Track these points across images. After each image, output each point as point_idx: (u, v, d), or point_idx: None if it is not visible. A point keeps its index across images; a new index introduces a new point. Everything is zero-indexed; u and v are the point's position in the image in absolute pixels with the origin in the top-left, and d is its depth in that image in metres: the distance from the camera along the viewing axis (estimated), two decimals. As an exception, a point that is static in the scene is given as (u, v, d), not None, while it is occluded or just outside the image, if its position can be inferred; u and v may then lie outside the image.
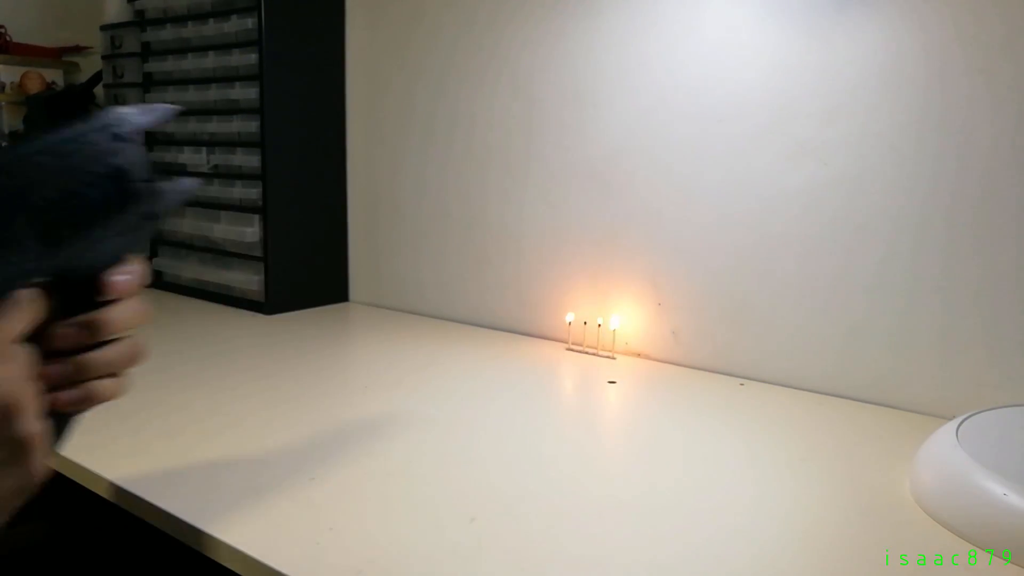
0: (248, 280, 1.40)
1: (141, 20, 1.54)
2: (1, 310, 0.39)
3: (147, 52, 1.54)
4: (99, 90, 1.76)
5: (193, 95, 1.45)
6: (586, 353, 1.18)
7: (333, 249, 1.51)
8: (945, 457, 0.69)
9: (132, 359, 0.46)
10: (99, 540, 1.14)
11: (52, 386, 0.43)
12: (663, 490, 0.71)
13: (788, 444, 0.83)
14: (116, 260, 0.44)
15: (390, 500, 0.68)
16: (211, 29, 1.40)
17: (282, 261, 1.40)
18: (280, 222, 1.39)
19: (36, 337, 0.41)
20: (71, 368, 0.43)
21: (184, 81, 1.48)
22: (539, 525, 0.64)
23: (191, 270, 1.51)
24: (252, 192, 1.38)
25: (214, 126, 1.42)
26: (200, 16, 1.42)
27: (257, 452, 0.77)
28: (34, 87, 1.92)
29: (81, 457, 0.74)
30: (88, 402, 0.44)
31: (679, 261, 1.12)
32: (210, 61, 1.41)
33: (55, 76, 2.01)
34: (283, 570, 0.56)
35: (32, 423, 0.40)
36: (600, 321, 1.20)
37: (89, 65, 2.00)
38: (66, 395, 0.43)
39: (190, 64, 1.45)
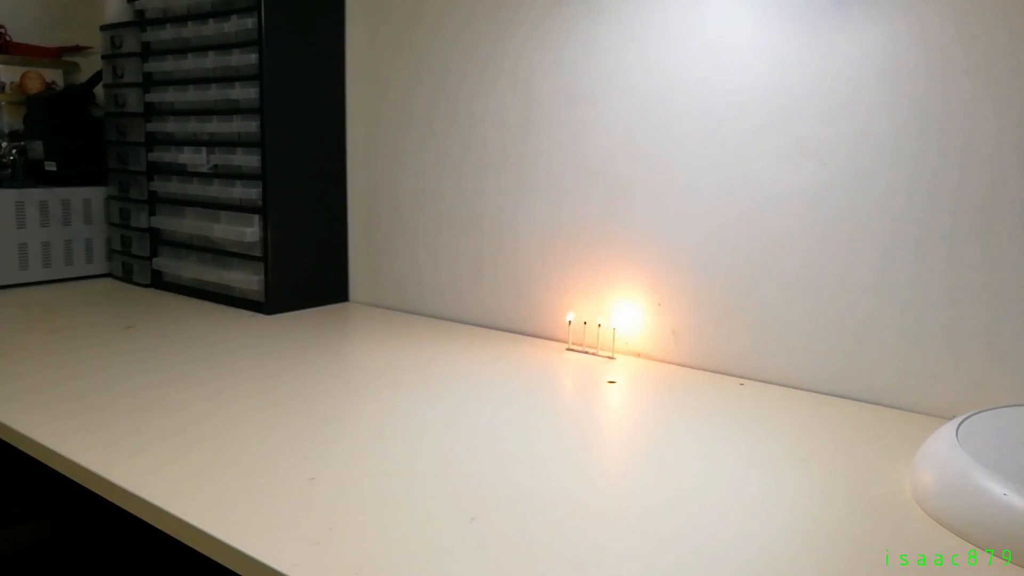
0: (248, 280, 1.40)
1: (141, 20, 1.54)
2: None
3: (147, 52, 1.54)
4: (99, 90, 1.76)
5: (193, 95, 1.45)
6: (586, 353, 1.18)
7: (333, 249, 1.51)
8: (945, 457, 0.69)
9: None
10: (99, 540, 1.14)
11: None
12: (663, 490, 0.71)
13: (788, 444, 0.83)
14: None
15: (390, 500, 0.68)
16: (211, 29, 1.40)
17: (282, 261, 1.40)
18: (280, 222, 1.39)
19: None
20: None
21: (184, 81, 1.48)
22: (539, 525, 0.64)
23: (191, 270, 1.51)
24: (252, 192, 1.38)
25: (214, 126, 1.42)
26: (200, 16, 1.42)
27: (257, 452, 0.77)
28: (34, 87, 1.92)
29: (81, 457, 0.74)
30: None
31: (679, 261, 1.12)
32: (210, 61, 1.41)
33: (55, 76, 2.01)
34: (283, 570, 0.56)
35: None
36: (600, 321, 1.20)
37: (89, 65, 2.00)
38: None
39: (190, 64, 1.45)
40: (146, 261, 1.62)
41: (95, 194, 1.71)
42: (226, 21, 1.37)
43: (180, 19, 1.46)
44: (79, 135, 1.73)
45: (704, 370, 1.11)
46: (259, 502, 0.66)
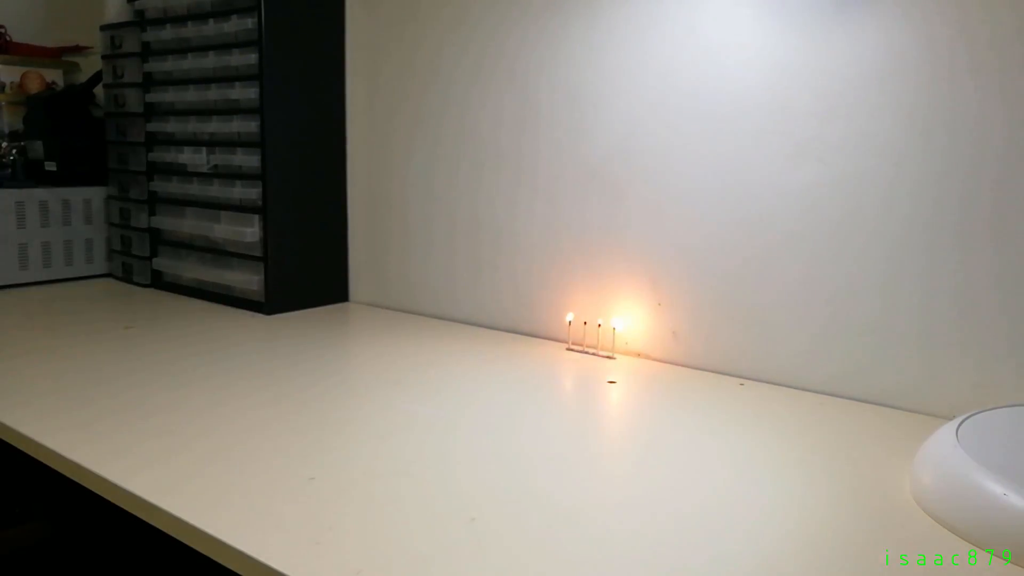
0: (248, 280, 1.40)
1: (141, 20, 1.54)
2: None
3: (147, 52, 1.54)
4: (99, 90, 1.76)
5: (193, 95, 1.45)
6: (586, 353, 1.18)
7: (333, 249, 1.51)
8: (945, 457, 0.69)
9: None
10: (99, 540, 1.14)
11: None
12: (663, 490, 0.71)
13: (788, 444, 0.83)
14: None
15: (390, 500, 0.68)
16: (211, 29, 1.40)
17: (282, 261, 1.40)
18: (280, 222, 1.39)
19: None
20: None
21: (184, 81, 1.48)
22: (539, 525, 0.64)
23: (191, 270, 1.51)
24: (252, 192, 1.38)
25: (214, 126, 1.42)
26: (200, 16, 1.42)
27: (257, 452, 0.77)
28: (34, 87, 1.92)
29: (81, 457, 0.74)
30: None
31: (679, 261, 1.12)
32: (210, 61, 1.41)
33: (55, 76, 2.01)
34: (283, 570, 0.56)
35: None
36: (600, 321, 1.20)
37: (89, 65, 2.00)
38: None
39: (190, 64, 1.45)
40: (146, 261, 1.62)
41: (95, 194, 1.71)
42: (226, 21, 1.37)
43: (180, 19, 1.46)
44: (79, 135, 1.73)
45: (704, 370, 1.11)
46: (259, 502, 0.66)
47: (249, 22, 1.33)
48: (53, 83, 2.00)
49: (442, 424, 0.87)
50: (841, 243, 0.98)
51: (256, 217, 1.38)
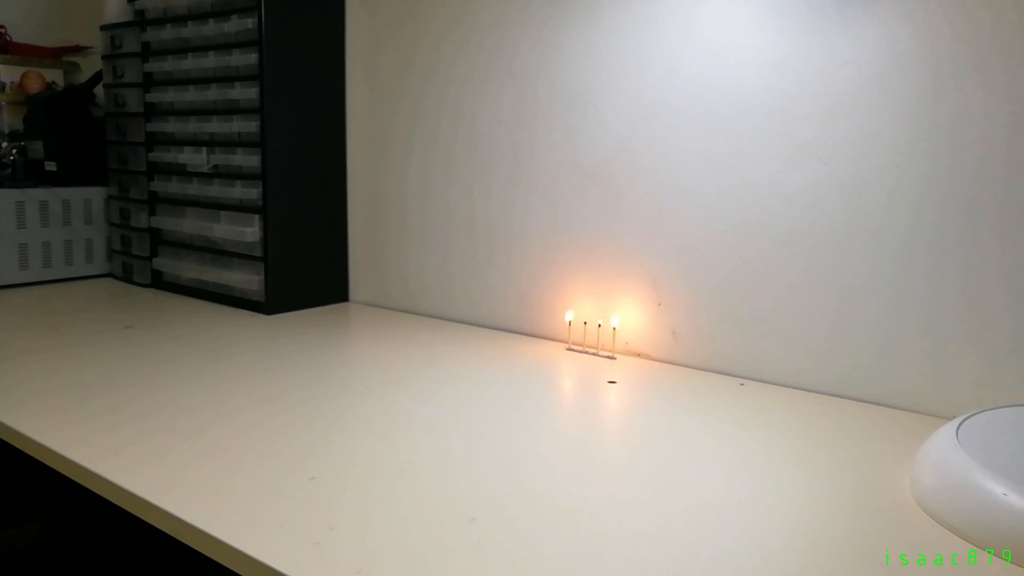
0: (248, 280, 1.40)
1: (141, 20, 1.54)
2: None
3: (147, 52, 1.54)
4: (99, 90, 1.76)
5: (193, 95, 1.45)
6: (586, 353, 1.18)
7: (333, 249, 1.51)
8: (945, 457, 0.69)
9: None
10: (99, 540, 1.14)
11: None
12: (663, 490, 0.71)
13: (788, 444, 0.83)
14: None
15: (390, 500, 0.68)
16: (211, 29, 1.40)
17: (282, 261, 1.40)
18: (280, 222, 1.39)
19: None
20: None
21: (184, 81, 1.48)
22: (539, 525, 0.64)
23: (191, 270, 1.51)
24: (252, 192, 1.38)
25: (214, 126, 1.42)
26: (200, 16, 1.42)
27: (257, 452, 0.77)
28: (34, 87, 1.92)
29: (80, 457, 0.74)
30: None
31: (679, 261, 1.12)
32: (210, 61, 1.41)
33: (55, 76, 2.01)
34: (283, 570, 0.56)
35: None
36: (600, 321, 1.20)
37: (89, 65, 2.00)
38: None
39: (190, 64, 1.45)
40: (146, 261, 1.62)
41: (95, 194, 1.71)
42: (226, 21, 1.37)
43: (180, 19, 1.46)
44: (79, 135, 1.73)
45: (704, 370, 1.11)
46: (259, 502, 0.66)
47: (249, 22, 1.33)
48: (53, 83, 2.00)
49: (442, 424, 0.87)
50: (842, 243, 0.98)
51: (256, 217, 1.38)
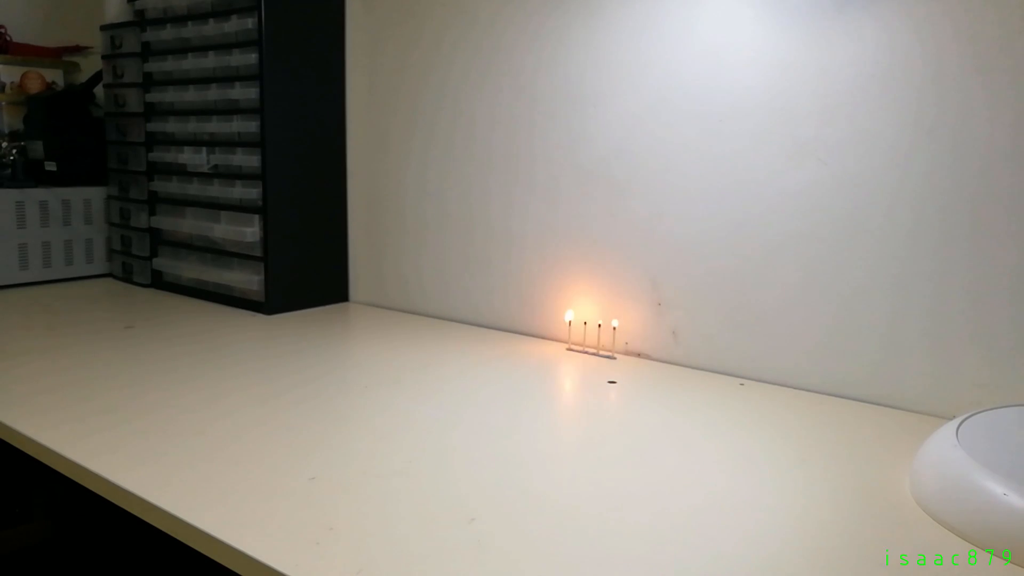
0: (248, 280, 1.40)
1: (141, 20, 1.54)
2: None
3: (147, 52, 1.54)
4: (99, 90, 1.76)
5: (193, 95, 1.45)
6: (586, 353, 1.18)
7: (333, 249, 1.51)
8: (945, 457, 0.69)
9: None
10: (99, 540, 1.14)
11: None
12: (663, 490, 0.71)
13: (788, 444, 0.83)
14: None
15: (390, 500, 0.68)
16: (211, 29, 1.40)
17: (282, 261, 1.40)
18: (280, 222, 1.39)
19: None
20: None
21: (184, 81, 1.48)
22: (539, 525, 0.64)
23: (191, 270, 1.51)
24: (252, 192, 1.38)
25: (214, 126, 1.42)
26: (200, 16, 1.42)
27: (257, 452, 0.77)
28: (34, 87, 1.92)
29: (80, 457, 0.74)
30: None
31: (679, 261, 1.12)
32: (210, 61, 1.41)
33: (55, 76, 2.01)
34: (283, 570, 0.56)
35: None
36: (600, 321, 1.20)
37: (89, 65, 2.00)
38: None
39: (190, 64, 1.45)
40: (146, 261, 1.62)
41: (95, 194, 1.71)
42: (226, 21, 1.37)
43: (180, 19, 1.46)
44: (79, 135, 1.73)
45: (704, 370, 1.11)
46: (259, 502, 0.66)
47: (249, 22, 1.33)
48: (53, 83, 2.00)
49: (442, 424, 0.87)
50: (843, 243, 0.98)
51: (256, 217, 1.38)
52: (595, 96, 1.17)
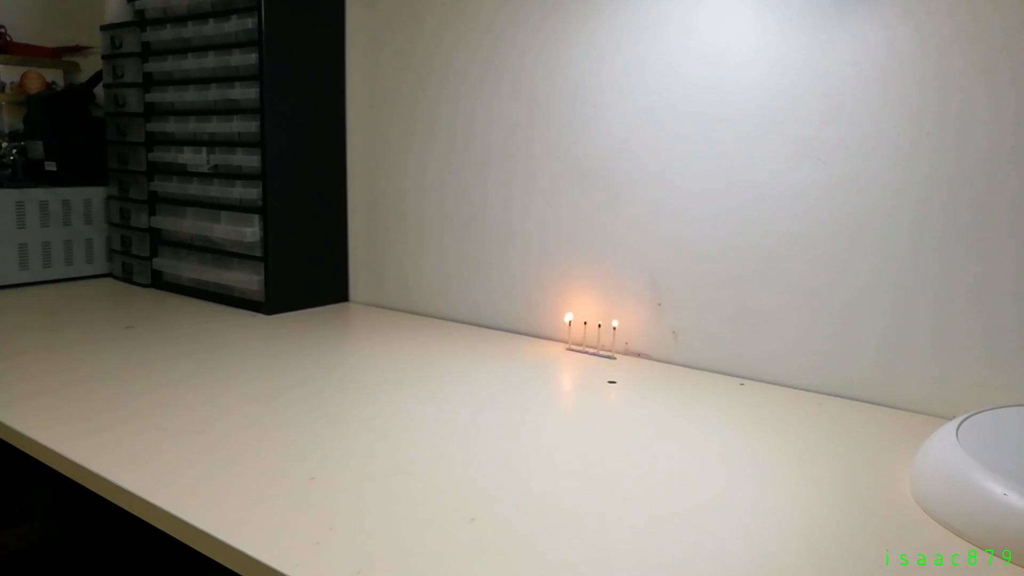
0: (248, 280, 1.40)
1: (141, 20, 1.54)
2: None
3: (147, 52, 1.54)
4: (99, 90, 1.76)
5: (193, 95, 1.45)
6: (586, 353, 1.18)
7: (333, 249, 1.51)
8: (945, 457, 0.69)
9: None
10: (99, 540, 1.14)
11: None
12: (663, 490, 0.71)
13: (788, 444, 0.83)
14: None
15: (390, 500, 0.68)
16: (211, 29, 1.40)
17: (282, 261, 1.40)
18: (280, 222, 1.39)
19: None
20: None
21: (184, 81, 1.48)
22: (539, 525, 0.64)
23: (191, 270, 1.51)
24: (252, 192, 1.38)
25: (214, 126, 1.42)
26: (200, 16, 1.42)
27: (257, 452, 0.77)
28: (34, 87, 1.92)
29: (81, 457, 0.74)
30: None
31: (679, 261, 1.12)
32: (210, 61, 1.41)
33: (55, 76, 2.01)
34: (283, 570, 0.56)
35: None
36: (600, 321, 1.20)
37: (89, 65, 2.00)
38: None
39: (190, 64, 1.45)
40: (146, 261, 1.62)
41: (95, 194, 1.71)
42: (226, 21, 1.37)
43: (180, 19, 1.46)
44: (79, 135, 1.73)
45: (704, 370, 1.11)
46: (259, 502, 0.66)
47: (249, 22, 1.33)
48: (53, 83, 2.00)
49: (442, 424, 0.87)
50: (844, 243, 0.98)
51: (256, 217, 1.38)
52: (595, 96, 1.17)
